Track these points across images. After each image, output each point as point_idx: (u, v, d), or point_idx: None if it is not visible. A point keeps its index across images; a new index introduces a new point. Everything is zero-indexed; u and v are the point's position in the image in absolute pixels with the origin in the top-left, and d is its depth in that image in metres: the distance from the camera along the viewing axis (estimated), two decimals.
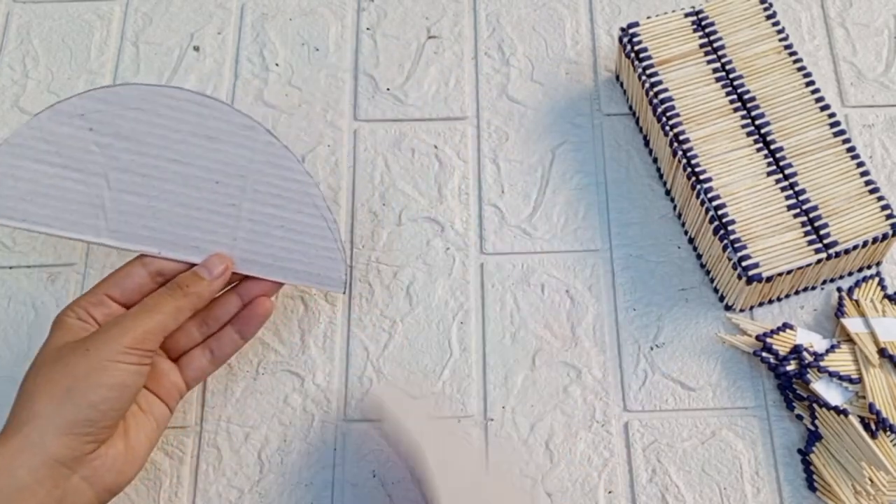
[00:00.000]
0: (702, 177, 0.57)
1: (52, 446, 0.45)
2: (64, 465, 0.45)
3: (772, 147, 0.58)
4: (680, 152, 0.58)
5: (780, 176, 0.57)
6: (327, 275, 0.54)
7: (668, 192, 0.62)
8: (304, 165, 0.54)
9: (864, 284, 0.59)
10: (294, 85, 0.67)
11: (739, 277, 0.55)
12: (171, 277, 0.52)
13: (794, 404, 0.56)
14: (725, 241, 0.55)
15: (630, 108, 0.65)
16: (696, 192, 0.57)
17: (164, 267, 0.53)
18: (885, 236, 0.55)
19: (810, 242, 0.55)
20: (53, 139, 0.51)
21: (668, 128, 0.59)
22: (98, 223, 0.51)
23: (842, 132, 0.58)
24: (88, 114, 0.51)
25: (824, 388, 0.55)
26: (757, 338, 0.57)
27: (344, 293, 0.54)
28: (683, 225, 0.61)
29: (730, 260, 0.55)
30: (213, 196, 0.52)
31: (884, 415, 0.53)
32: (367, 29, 0.69)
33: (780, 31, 0.61)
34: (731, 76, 0.60)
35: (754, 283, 0.54)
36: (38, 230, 0.51)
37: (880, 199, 0.56)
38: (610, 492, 0.54)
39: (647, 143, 0.64)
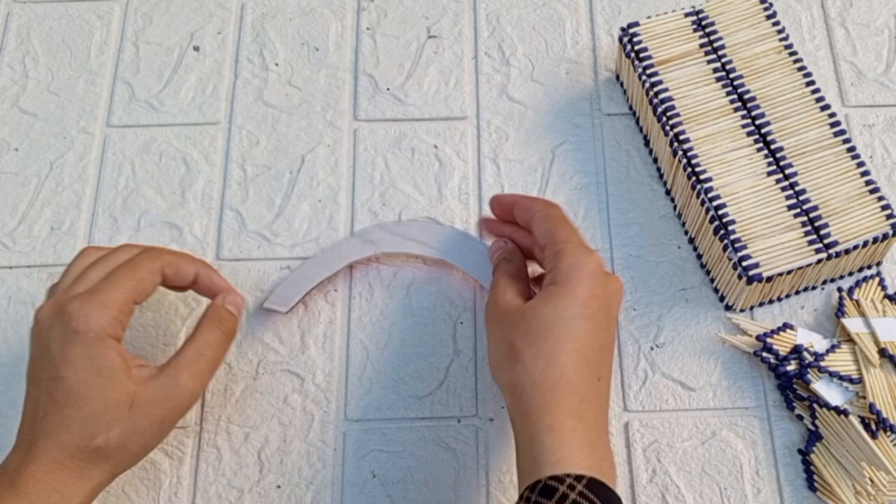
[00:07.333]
0: (702, 177, 0.57)
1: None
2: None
3: (772, 147, 0.58)
4: (680, 152, 0.58)
5: (781, 176, 0.57)
6: None
7: (668, 192, 0.62)
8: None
9: (864, 284, 0.59)
10: (294, 85, 0.67)
11: (739, 277, 0.55)
12: (173, 279, 0.53)
13: (795, 404, 0.56)
14: (726, 241, 0.55)
15: (630, 108, 0.65)
16: (696, 192, 0.57)
17: (168, 270, 0.53)
18: (885, 236, 0.55)
19: (810, 242, 0.55)
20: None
21: (668, 128, 0.59)
22: None
23: (842, 132, 0.58)
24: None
25: (824, 388, 0.55)
26: (757, 338, 0.57)
27: None
28: (683, 225, 0.61)
29: (730, 260, 0.55)
30: None
31: (884, 415, 0.53)
32: (367, 29, 0.69)
33: (780, 31, 0.61)
34: (731, 76, 0.60)
35: (754, 283, 0.54)
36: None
37: (880, 199, 0.56)
38: None
39: (647, 143, 0.64)
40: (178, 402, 0.50)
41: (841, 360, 0.55)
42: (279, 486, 0.55)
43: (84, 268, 0.52)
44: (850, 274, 0.60)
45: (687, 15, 0.62)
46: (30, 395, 0.49)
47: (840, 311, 0.57)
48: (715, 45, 0.61)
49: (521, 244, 0.56)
